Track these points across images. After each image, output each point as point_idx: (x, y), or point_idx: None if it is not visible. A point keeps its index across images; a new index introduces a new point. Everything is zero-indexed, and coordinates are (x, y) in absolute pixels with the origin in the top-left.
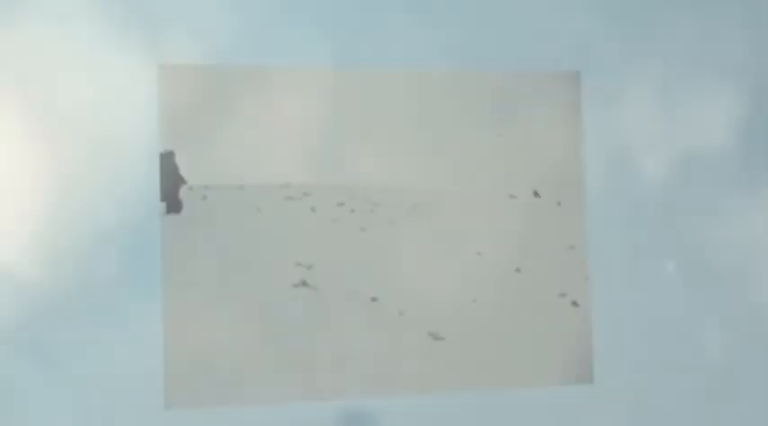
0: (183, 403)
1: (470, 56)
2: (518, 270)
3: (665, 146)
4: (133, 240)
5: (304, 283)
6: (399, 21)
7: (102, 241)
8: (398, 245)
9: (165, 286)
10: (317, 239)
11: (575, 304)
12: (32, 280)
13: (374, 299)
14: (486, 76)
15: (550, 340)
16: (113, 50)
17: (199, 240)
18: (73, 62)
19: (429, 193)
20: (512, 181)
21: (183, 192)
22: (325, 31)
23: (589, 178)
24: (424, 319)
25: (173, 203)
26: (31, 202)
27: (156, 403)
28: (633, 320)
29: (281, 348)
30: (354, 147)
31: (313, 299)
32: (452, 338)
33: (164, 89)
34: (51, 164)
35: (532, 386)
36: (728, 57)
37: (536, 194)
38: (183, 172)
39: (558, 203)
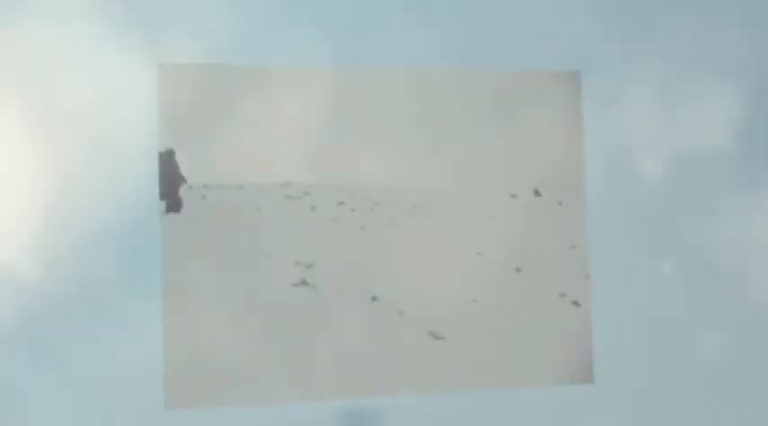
0: (183, 403)
1: (470, 56)
2: (518, 269)
3: (665, 146)
4: (133, 239)
5: (304, 282)
6: (399, 21)
7: (102, 241)
8: (398, 245)
9: (164, 285)
10: (317, 238)
11: (575, 304)
12: (32, 280)
13: (374, 299)
14: (486, 76)
15: (550, 340)
16: (113, 50)
17: (198, 239)
18: (73, 62)
19: (429, 193)
20: (512, 181)
21: (182, 191)
22: (325, 31)
23: (589, 178)
24: (424, 319)
25: (172, 202)
26: (31, 202)
27: (156, 403)
28: (633, 320)
29: (281, 347)
30: (354, 147)
31: (313, 298)
32: (452, 338)
33: (164, 88)
34: (51, 164)
35: (532, 386)
36: (728, 57)
37: (537, 193)
38: (183, 171)
39: (559, 203)
